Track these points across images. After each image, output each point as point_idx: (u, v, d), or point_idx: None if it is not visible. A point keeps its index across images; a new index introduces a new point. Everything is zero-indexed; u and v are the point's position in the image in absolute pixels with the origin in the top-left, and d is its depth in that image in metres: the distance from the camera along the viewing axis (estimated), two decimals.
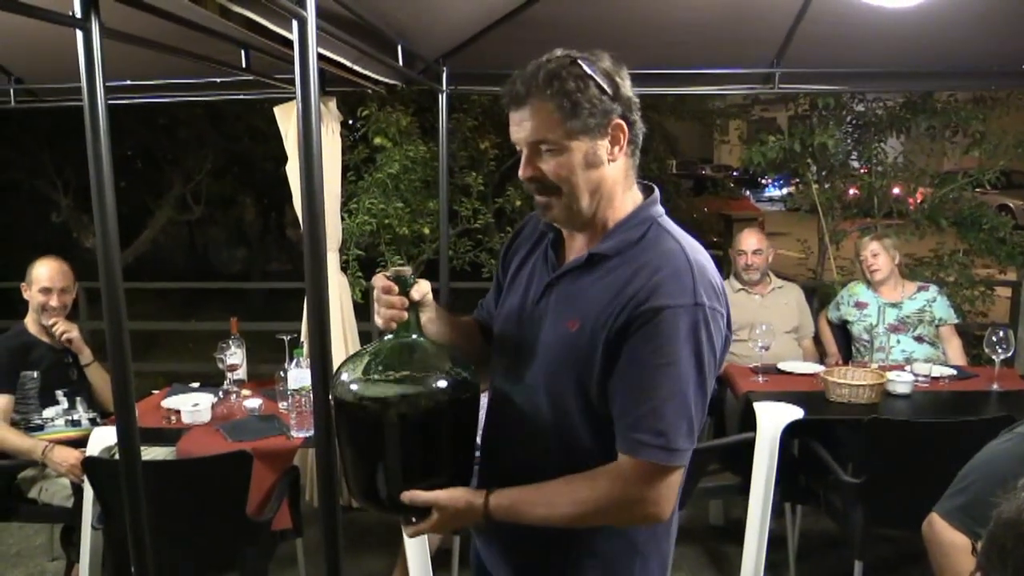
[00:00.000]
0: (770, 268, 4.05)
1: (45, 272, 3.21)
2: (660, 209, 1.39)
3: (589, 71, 1.27)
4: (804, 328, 4.00)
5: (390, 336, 1.39)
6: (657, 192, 1.41)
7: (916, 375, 3.30)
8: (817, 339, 4.11)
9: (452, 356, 1.41)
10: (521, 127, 1.30)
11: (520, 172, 1.33)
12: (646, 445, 1.23)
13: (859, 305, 3.91)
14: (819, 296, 5.23)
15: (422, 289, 1.39)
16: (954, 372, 3.46)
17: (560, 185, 1.30)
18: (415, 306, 1.39)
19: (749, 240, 3.96)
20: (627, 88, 1.31)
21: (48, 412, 3.20)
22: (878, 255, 3.80)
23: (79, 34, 1.66)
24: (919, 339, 3.79)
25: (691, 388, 1.24)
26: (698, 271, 1.27)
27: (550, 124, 1.27)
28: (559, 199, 1.32)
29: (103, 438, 2.78)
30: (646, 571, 1.43)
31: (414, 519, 1.37)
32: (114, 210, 1.78)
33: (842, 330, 4.06)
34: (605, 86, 1.27)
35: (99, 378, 3.29)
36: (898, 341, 3.77)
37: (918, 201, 5.73)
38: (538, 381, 1.37)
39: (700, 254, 1.33)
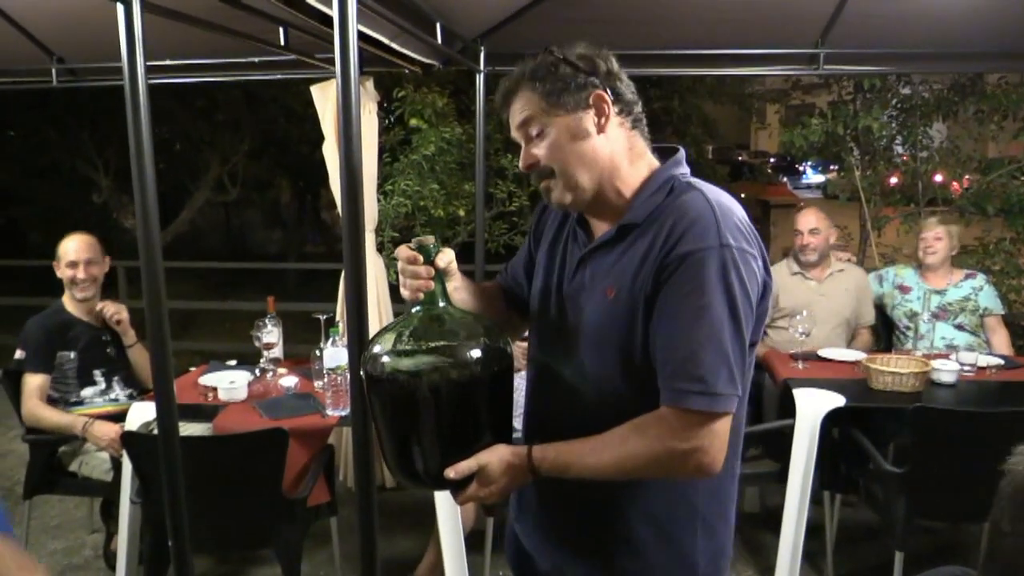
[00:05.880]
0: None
1: (71, 246, 3.23)
2: (684, 169, 1.37)
3: (559, 54, 1.32)
4: (863, 316, 3.82)
5: (418, 308, 1.37)
6: (682, 152, 1.40)
7: (962, 364, 3.22)
8: (873, 330, 3.92)
9: (484, 324, 1.39)
10: (512, 120, 1.37)
11: (520, 163, 1.39)
12: (686, 392, 1.21)
13: (902, 289, 3.80)
14: None
15: (447, 257, 1.38)
16: (1001, 361, 3.37)
17: (553, 166, 1.34)
18: (441, 275, 1.37)
19: (806, 219, 3.80)
20: (608, 64, 1.34)
21: (86, 392, 3.23)
22: (941, 239, 3.67)
23: (120, 8, 1.66)
24: (959, 327, 3.68)
25: (727, 333, 1.22)
26: (721, 213, 1.25)
27: (531, 108, 1.33)
28: (556, 180, 1.35)
29: (142, 413, 2.81)
30: (711, 535, 1.39)
31: (458, 489, 1.35)
32: (154, 190, 1.79)
33: (881, 314, 3.94)
34: (579, 64, 1.31)
35: (140, 358, 3.32)
36: (933, 328, 3.66)
37: (964, 187, 5.60)
38: (581, 357, 1.36)
39: (724, 198, 1.30)
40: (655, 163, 1.38)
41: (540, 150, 1.34)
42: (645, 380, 1.28)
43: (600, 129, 1.32)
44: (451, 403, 1.31)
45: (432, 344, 1.35)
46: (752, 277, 1.25)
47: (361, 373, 1.36)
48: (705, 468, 1.25)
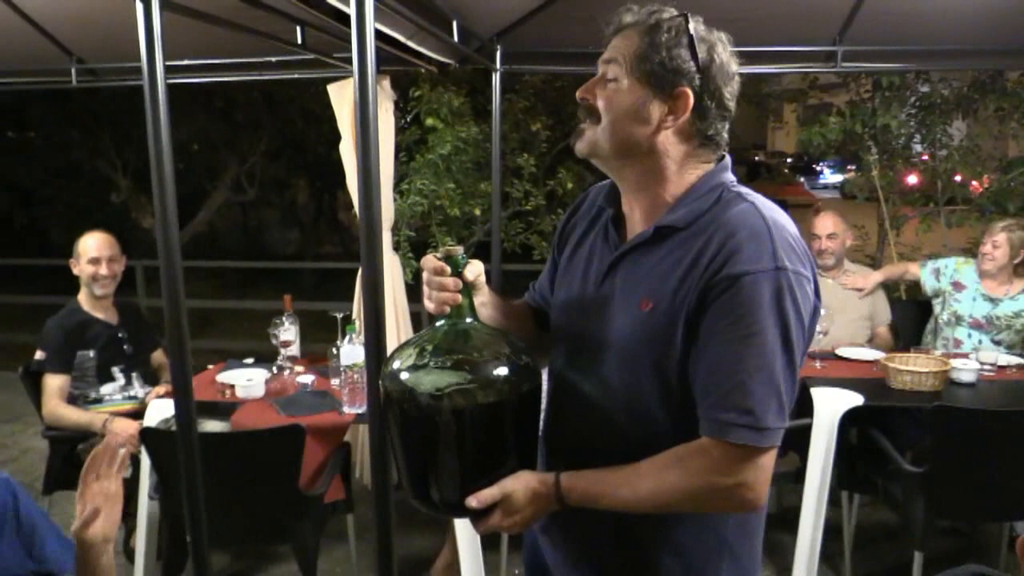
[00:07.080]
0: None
1: (92, 243, 3.25)
2: (731, 176, 1.28)
3: (691, 29, 1.21)
4: (880, 316, 3.79)
5: (442, 322, 1.28)
6: (728, 159, 1.30)
7: (982, 363, 3.18)
8: (893, 328, 3.87)
9: (511, 343, 1.29)
10: (606, 51, 1.27)
11: (581, 89, 1.29)
12: (733, 425, 1.13)
13: (957, 285, 3.66)
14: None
15: (476, 269, 1.29)
16: (1022, 361, 3.33)
17: (601, 115, 1.25)
18: (468, 288, 1.28)
19: (823, 224, 3.76)
20: (724, 71, 1.23)
21: (105, 389, 3.26)
22: (999, 247, 3.51)
23: (139, 7, 1.67)
24: (998, 343, 3.56)
25: (778, 362, 1.13)
26: (776, 231, 1.16)
27: (624, 54, 1.23)
28: (594, 130, 1.27)
29: (160, 410, 2.83)
30: (737, 565, 1.32)
31: (479, 518, 1.25)
32: (173, 190, 1.80)
33: (919, 309, 3.85)
34: (699, 50, 1.21)
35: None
36: (969, 335, 3.57)
37: (984, 186, 5.54)
38: (610, 370, 1.27)
39: (778, 213, 1.21)
40: (709, 167, 1.28)
41: (603, 92, 1.25)
42: (680, 401, 1.21)
43: (660, 126, 1.22)
44: (475, 426, 1.22)
45: (457, 361, 1.25)
46: (806, 302, 1.17)
47: (379, 388, 1.28)
48: (749, 504, 1.18)
